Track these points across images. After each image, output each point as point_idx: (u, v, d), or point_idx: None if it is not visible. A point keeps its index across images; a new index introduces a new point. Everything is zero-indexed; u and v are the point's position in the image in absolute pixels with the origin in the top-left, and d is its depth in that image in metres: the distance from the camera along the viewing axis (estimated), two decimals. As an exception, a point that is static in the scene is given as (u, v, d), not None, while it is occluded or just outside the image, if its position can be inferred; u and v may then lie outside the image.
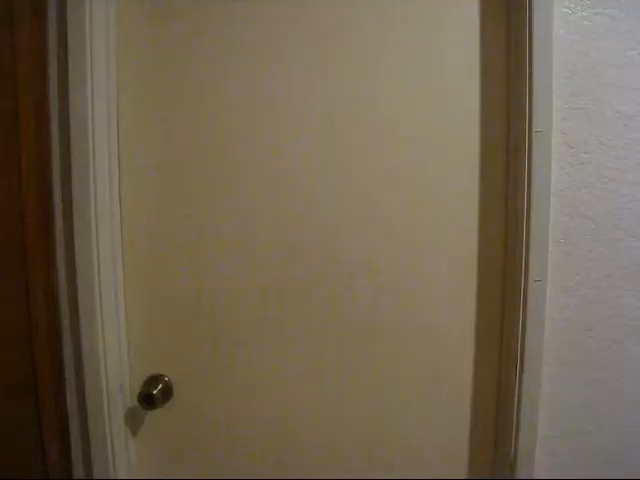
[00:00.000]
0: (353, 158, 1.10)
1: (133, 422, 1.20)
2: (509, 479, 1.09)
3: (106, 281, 1.09)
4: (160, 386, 1.17)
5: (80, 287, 1.06)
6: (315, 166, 1.11)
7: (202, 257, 1.15)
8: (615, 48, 0.99)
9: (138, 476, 1.22)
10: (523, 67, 1.00)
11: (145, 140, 1.13)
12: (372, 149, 1.09)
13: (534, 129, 0.99)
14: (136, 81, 1.11)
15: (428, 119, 1.08)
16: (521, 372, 1.05)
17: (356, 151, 1.10)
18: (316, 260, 1.13)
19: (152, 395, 1.14)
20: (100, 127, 1.06)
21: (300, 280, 1.14)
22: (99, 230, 1.06)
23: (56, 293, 1.07)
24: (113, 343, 1.13)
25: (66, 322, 1.09)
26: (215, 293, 1.16)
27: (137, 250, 1.16)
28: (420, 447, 1.17)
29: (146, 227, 1.15)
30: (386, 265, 1.12)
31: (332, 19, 1.08)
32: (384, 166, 1.10)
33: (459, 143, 1.08)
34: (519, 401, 1.06)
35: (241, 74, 1.10)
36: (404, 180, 1.10)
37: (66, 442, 1.13)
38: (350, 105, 1.09)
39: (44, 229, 1.04)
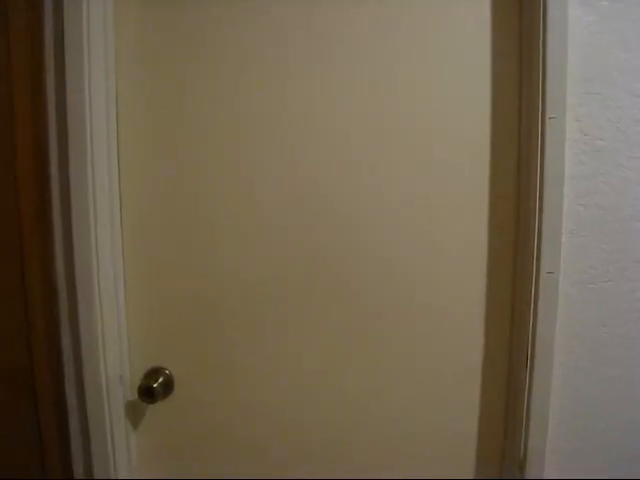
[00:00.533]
0: (363, 149, 1.06)
1: (133, 415, 1.18)
2: (518, 479, 1.06)
3: (105, 271, 1.07)
4: (161, 379, 1.15)
5: (78, 277, 1.04)
6: (324, 161, 1.07)
7: (206, 249, 1.12)
8: (633, 30, 0.95)
9: (139, 470, 1.20)
10: (536, 50, 0.95)
11: (147, 131, 1.10)
12: (382, 141, 1.06)
13: (547, 115, 0.95)
14: (134, 74, 1.09)
15: (438, 108, 1.04)
16: (531, 369, 1.01)
17: (366, 142, 1.06)
18: (322, 256, 1.10)
19: (152, 388, 1.12)
20: (98, 113, 1.04)
21: (305, 275, 1.11)
22: (97, 218, 1.04)
23: (54, 283, 1.05)
24: (113, 334, 1.10)
25: (64, 312, 1.07)
26: (219, 286, 1.13)
27: (137, 241, 1.13)
28: (426, 446, 1.14)
29: (147, 217, 1.13)
30: (393, 261, 1.09)
31: (340, 20, 1.04)
32: (395, 157, 1.06)
33: (469, 132, 1.04)
34: (529, 399, 1.02)
35: (244, 72, 1.07)
36: (414, 171, 1.06)
37: (65, 436, 1.11)
38: (361, 98, 1.05)
39: (41, 216, 1.02)
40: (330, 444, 1.16)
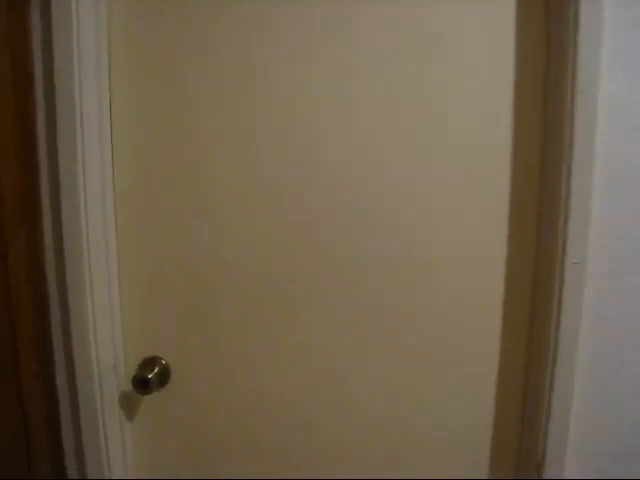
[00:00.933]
0: (376, 148, 0.99)
1: (128, 406, 1.12)
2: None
3: (97, 253, 1.00)
4: (156, 369, 1.09)
5: (68, 259, 0.98)
6: (331, 159, 1.00)
7: (206, 230, 1.05)
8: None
9: (134, 465, 1.15)
10: (566, 15, 0.86)
11: (141, 106, 1.03)
12: (399, 140, 0.98)
13: (577, 90, 0.87)
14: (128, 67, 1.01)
15: (458, 82, 0.96)
16: (553, 365, 0.94)
17: (381, 141, 0.99)
18: (333, 247, 1.03)
19: (147, 379, 1.06)
20: (88, 101, 0.97)
21: (315, 265, 1.04)
22: (88, 198, 0.98)
23: (42, 265, 0.98)
24: (105, 320, 1.04)
25: (54, 296, 1.00)
26: (220, 270, 1.06)
27: (132, 223, 1.06)
28: (437, 444, 1.08)
29: (142, 200, 1.06)
30: (409, 255, 1.01)
31: (347, 19, 0.96)
32: (413, 138, 0.98)
33: (490, 107, 0.96)
34: (550, 396, 0.95)
35: (247, 70, 0.99)
36: (433, 157, 0.98)
37: (55, 431, 1.05)
38: (374, 97, 0.98)
39: (27, 197, 0.95)
40: (337, 443, 1.10)
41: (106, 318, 1.04)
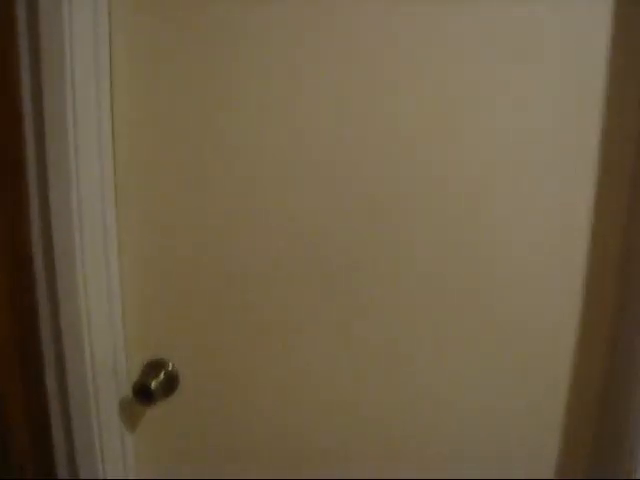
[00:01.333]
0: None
1: (130, 416, 0.98)
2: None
3: (92, 235, 0.85)
4: (162, 376, 0.94)
5: (56, 240, 0.82)
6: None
7: (219, 220, 0.90)
8: None
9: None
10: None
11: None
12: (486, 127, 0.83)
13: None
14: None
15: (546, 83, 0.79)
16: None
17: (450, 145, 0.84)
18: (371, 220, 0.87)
19: (149, 388, 0.90)
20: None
21: (356, 241, 0.88)
22: (80, 173, 0.82)
23: (28, 247, 0.83)
24: (102, 315, 0.89)
25: (41, 285, 0.85)
26: (240, 258, 0.91)
27: (135, 197, 0.91)
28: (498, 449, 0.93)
29: (148, 170, 0.90)
30: (480, 238, 0.86)
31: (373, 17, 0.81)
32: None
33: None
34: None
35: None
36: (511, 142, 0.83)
37: (45, 447, 0.90)
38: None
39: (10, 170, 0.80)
40: (370, 449, 0.95)
41: (103, 311, 0.89)
